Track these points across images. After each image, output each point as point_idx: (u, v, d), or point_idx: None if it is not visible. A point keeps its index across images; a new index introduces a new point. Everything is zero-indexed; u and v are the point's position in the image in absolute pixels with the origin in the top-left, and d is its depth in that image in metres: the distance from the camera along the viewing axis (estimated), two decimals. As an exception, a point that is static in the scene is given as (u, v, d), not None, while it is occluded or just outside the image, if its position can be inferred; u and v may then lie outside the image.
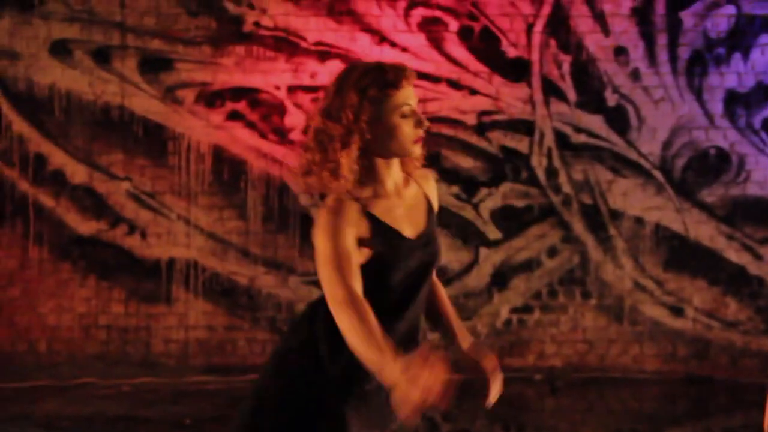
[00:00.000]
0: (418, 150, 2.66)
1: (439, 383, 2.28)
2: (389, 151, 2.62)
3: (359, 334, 2.43)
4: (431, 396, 2.28)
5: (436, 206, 2.85)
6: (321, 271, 2.56)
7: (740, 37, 7.41)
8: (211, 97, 7.37)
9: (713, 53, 7.43)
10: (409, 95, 2.60)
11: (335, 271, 2.52)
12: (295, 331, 2.76)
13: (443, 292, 2.96)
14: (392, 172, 2.68)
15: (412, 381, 2.29)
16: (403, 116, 2.60)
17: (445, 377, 2.30)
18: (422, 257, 2.70)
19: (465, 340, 2.91)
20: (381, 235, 2.62)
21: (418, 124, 2.62)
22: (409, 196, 2.75)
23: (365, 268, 2.58)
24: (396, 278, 2.63)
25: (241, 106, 7.38)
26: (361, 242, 2.59)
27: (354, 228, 2.57)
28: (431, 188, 2.86)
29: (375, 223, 2.62)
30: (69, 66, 7.30)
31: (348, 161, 2.57)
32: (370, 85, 2.55)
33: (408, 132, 2.60)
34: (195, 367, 7.31)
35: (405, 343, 2.64)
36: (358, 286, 2.53)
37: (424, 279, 2.72)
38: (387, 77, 2.57)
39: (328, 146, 2.56)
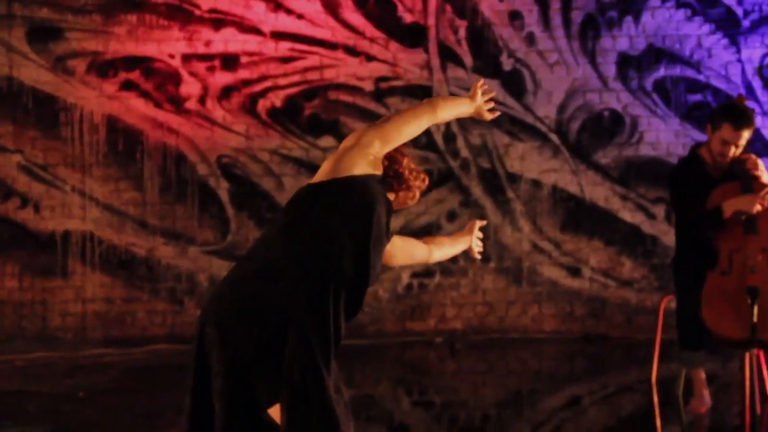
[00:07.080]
0: None
1: None
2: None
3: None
4: None
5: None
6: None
7: (631, 0, 7.51)
8: (103, 67, 7.24)
9: (605, 16, 7.52)
10: None
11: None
12: None
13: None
14: None
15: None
16: None
17: None
18: None
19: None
20: None
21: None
22: None
23: None
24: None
25: (135, 75, 7.26)
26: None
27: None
28: None
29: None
30: (-47, 36, 7.12)
31: None
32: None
33: None
34: (93, 340, 7.22)
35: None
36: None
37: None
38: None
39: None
